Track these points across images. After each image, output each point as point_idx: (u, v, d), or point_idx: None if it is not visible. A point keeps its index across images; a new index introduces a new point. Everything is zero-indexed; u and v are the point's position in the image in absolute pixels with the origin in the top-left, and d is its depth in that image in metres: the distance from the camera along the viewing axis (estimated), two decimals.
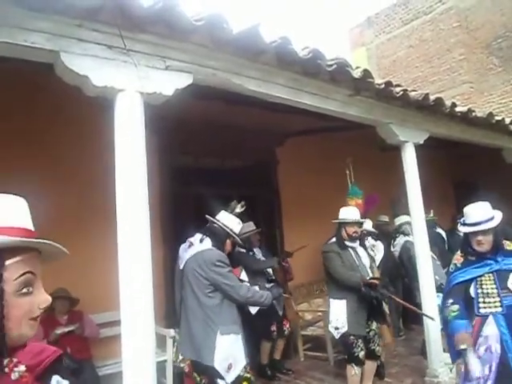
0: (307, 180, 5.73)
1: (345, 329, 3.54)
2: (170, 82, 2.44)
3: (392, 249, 5.58)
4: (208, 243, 3.00)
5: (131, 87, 2.28)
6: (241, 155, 5.39)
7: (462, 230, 2.72)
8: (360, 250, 3.81)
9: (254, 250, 4.69)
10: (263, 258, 4.69)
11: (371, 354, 3.68)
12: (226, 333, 2.81)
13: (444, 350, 4.05)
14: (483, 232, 2.57)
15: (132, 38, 2.27)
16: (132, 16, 2.18)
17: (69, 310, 3.66)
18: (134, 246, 2.17)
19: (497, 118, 5.02)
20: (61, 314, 3.62)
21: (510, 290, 2.47)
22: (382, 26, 12.51)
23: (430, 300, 3.99)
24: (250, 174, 5.59)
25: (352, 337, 3.54)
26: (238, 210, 3.23)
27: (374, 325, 3.71)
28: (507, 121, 5.22)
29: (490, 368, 2.47)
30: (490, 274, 2.55)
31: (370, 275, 3.71)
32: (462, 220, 2.75)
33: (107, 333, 3.87)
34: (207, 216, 3.17)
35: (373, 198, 5.08)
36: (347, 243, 3.71)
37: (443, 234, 6.13)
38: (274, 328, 4.44)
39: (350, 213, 3.77)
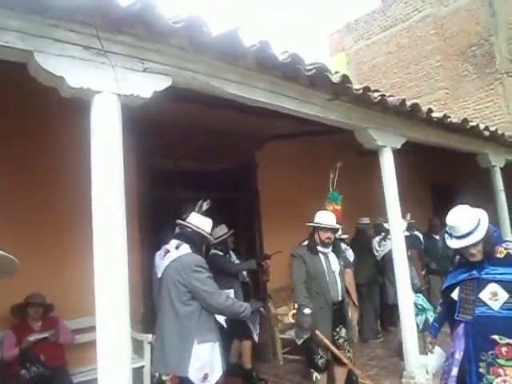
0: (286, 183, 5.76)
1: (306, 336, 3.46)
2: (148, 85, 2.41)
3: (377, 248, 5.64)
4: (185, 248, 2.90)
5: (108, 89, 2.24)
6: (220, 158, 5.38)
7: (452, 245, 2.51)
8: (331, 257, 3.70)
9: (230, 252, 4.70)
10: (237, 261, 4.71)
11: (340, 361, 3.58)
12: (203, 341, 2.73)
13: (420, 352, 4.13)
14: (474, 244, 2.41)
15: (109, 39, 2.24)
16: (110, 17, 2.14)
17: (43, 317, 3.56)
18: (110, 250, 2.13)
19: (471, 123, 5.14)
20: (34, 321, 3.52)
21: (482, 300, 2.41)
22: (361, 32, 12.73)
23: (406, 301, 4.04)
24: (230, 178, 5.59)
25: (313, 344, 3.49)
26: (205, 207, 3.15)
27: (344, 332, 3.65)
28: (481, 126, 5.35)
29: (451, 372, 2.51)
30: (471, 281, 2.48)
31: (339, 283, 3.64)
32: (448, 233, 2.56)
33: (82, 339, 3.79)
34: (178, 221, 3.08)
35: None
36: (319, 248, 3.63)
37: (421, 236, 6.25)
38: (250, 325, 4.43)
39: (325, 218, 3.67)
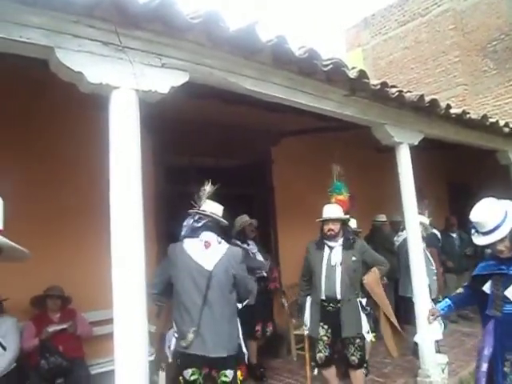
0: (302, 179, 5.74)
1: (305, 328, 3.64)
2: (165, 80, 2.43)
3: (395, 238, 5.61)
4: (223, 241, 3.04)
5: (126, 84, 2.27)
6: (236, 155, 5.39)
7: (478, 242, 2.44)
8: (336, 251, 3.57)
9: (249, 242, 4.68)
10: (254, 251, 4.66)
11: (348, 362, 3.49)
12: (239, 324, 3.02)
13: (436, 351, 4.09)
14: (501, 240, 2.34)
15: (128, 35, 2.26)
16: (128, 13, 2.16)
17: (61, 308, 3.63)
18: (128, 244, 2.16)
19: (491, 119, 5.05)
20: (53, 312, 3.59)
21: (507, 297, 2.35)
22: (378, 27, 12.56)
23: (422, 299, 4.00)
24: (245, 174, 5.59)
25: (314, 338, 3.57)
26: (209, 189, 3.14)
27: (346, 333, 3.44)
28: (501, 123, 5.25)
29: (481, 368, 2.46)
30: (500, 276, 2.41)
31: (337, 279, 3.46)
32: (473, 229, 2.49)
33: (100, 331, 3.85)
34: (199, 211, 3.04)
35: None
36: (326, 242, 3.59)
37: (438, 234, 6.17)
38: (258, 328, 4.45)
39: (325, 210, 3.64)
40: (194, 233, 3.00)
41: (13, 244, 0.96)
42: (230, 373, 2.84)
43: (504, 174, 5.96)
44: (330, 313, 3.49)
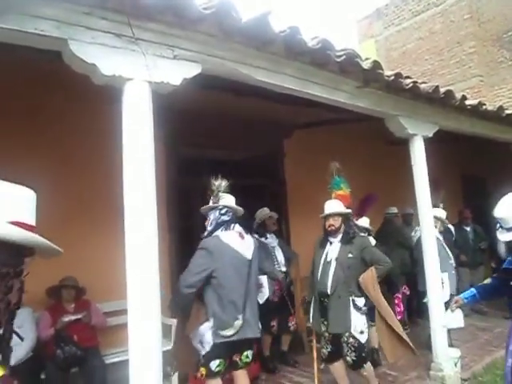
0: (314, 172, 5.68)
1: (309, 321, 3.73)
2: (177, 72, 2.43)
3: (413, 233, 5.55)
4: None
5: (139, 76, 2.27)
6: (248, 147, 5.37)
7: (502, 238, 2.39)
8: (334, 246, 3.54)
9: (268, 235, 4.64)
10: (274, 245, 4.63)
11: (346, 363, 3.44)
12: None
13: (449, 345, 4.06)
14: None
15: (140, 27, 2.26)
16: (140, 4, 2.16)
17: (76, 299, 3.69)
18: (141, 235, 2.18)
19: (507, 111, 4.96)
20: (68, 303, 3.65)
21: None
22: (392, 17, 12.37)
23: (435, 292, 3.97)
24: (257, 166, 5.59)
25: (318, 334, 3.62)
26: (224, 183, 3.21)
27: (332, 329, 3.41)
28: None
29: (506, 363, 2.43)
30: None
31: (330, 274, 3.43)
32: (497, 224, 2.42)
33: (114, 321, 3.90)
34: (227, 205, 3.16)
35: (372, 198, 5.08)
36: (329, 237, 3.59)
37: (452, 228, 6.10)
38: (273, 323, 4.45)
39: (325, 206, 3.63)
40: (227, 226, 3.11)
41: (48, 243, 0.98)
42: (250, 353, 3.11)
43: None
44: (326, 308, 3.47)
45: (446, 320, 3.14)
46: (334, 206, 3.60)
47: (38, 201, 1.04)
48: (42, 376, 3.35)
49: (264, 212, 4.69)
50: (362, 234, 3.92)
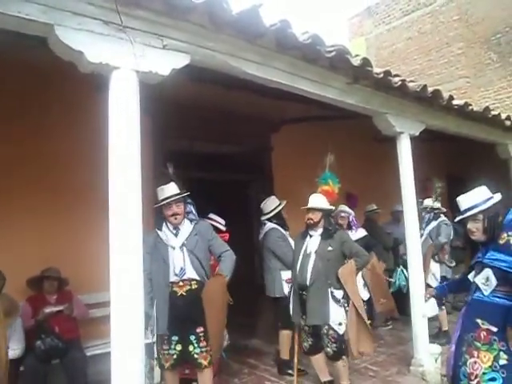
0: (301, 167, 5.70)
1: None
2: (166, 62, 2.39)
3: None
4: None
5: (127, 65, 2.23)
6: (236, 140, 5.34)
7: (456, 219, 2.74)
8: (313, 240, 3.57)
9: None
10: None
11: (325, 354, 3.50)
12: None
13: (429, 341, 4.12)
14: (472, 218, 2.48)
15: (129, 14, 2.21)
16: None
17: (58, 290, 3.63)
18: (125, 227, 2.15)
19: (493, 112, 5.03)
20: (50, 294, 3.60)
21: (477, 284, 2.48)
22: (382, 16, 12.40)
23: (417, 288, 4.02)
24: (245, 160, 5.56)
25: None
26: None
27: (307, 321, 3.46)
28: (503, 116, 5.23)
29: (451, 348, 2.65)
30: (478, 264, 2.54)
31: (309, 267, 3.46)
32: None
33: (96, 313, 3.87)
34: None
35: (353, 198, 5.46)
36: (309, 231, 3.63)
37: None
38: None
39: (309, 199, 3.67)
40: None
41: None
42: None
43: (503, 169, 5.95)
44: (305, 301, 3.49)
45: (422, 311, 3.47)
46: (316, 200, 3.63)
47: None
48: (21, 368, 3.29)
49: (276, 202, 4.45)
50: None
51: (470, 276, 2.61)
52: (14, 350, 3.14)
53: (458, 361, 2.52)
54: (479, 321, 2.42)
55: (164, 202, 3.18)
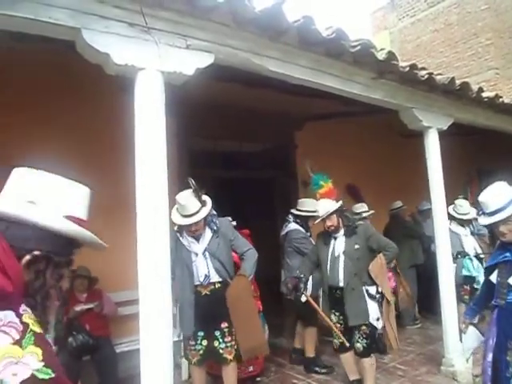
0: (325, 165, 5.64)
1: (290, 296, 3.81)
2: (190, 61, 2.41)
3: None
4: None
5: (152, 66, 2.26)
6: (259, 139, 5.35)
7: (481, 222, 2.51)
8: (339, 241, 3.53)
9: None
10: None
11: (354, 350, 3.45)
12: None
13: (461, 341, 4.02)
14: (503, 221, 2.32)
15: (153, 16, 2.24)
16: None
17: (88, 288, 3.72)
18: (153, 226, 2.18)
19: None
20: (80, 292, 3.69)
21: (511, 285, 2.31)
22: (406, 9, 12.17)
23: (447, 287, 3.93)
24: (269, 158, 5.56)
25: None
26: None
27: (352, 323, 3.40)
28: None
29: (486, 358, 2.45)
30: (506, 264, 2.38)
31: (341, 268, 3.44)
32: (480, 210, 2.56)
33: (125, 311, 3.95)
34: None
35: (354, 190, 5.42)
36: (332, 234, 3.55)
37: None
38: None
39: (317, 209, 3.61)
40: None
41: (94, 238, 1.13)
42: None
43: None
44: (339, 299, 3.47)
45: (464, 345, 3.06)
46: (325, 206, 3.54)
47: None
48: None
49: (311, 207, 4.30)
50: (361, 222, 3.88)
51: (493, 277, 2.45)
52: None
53: (502, 372, 2.34)
54: None
55: (186, 223, 3.12)
